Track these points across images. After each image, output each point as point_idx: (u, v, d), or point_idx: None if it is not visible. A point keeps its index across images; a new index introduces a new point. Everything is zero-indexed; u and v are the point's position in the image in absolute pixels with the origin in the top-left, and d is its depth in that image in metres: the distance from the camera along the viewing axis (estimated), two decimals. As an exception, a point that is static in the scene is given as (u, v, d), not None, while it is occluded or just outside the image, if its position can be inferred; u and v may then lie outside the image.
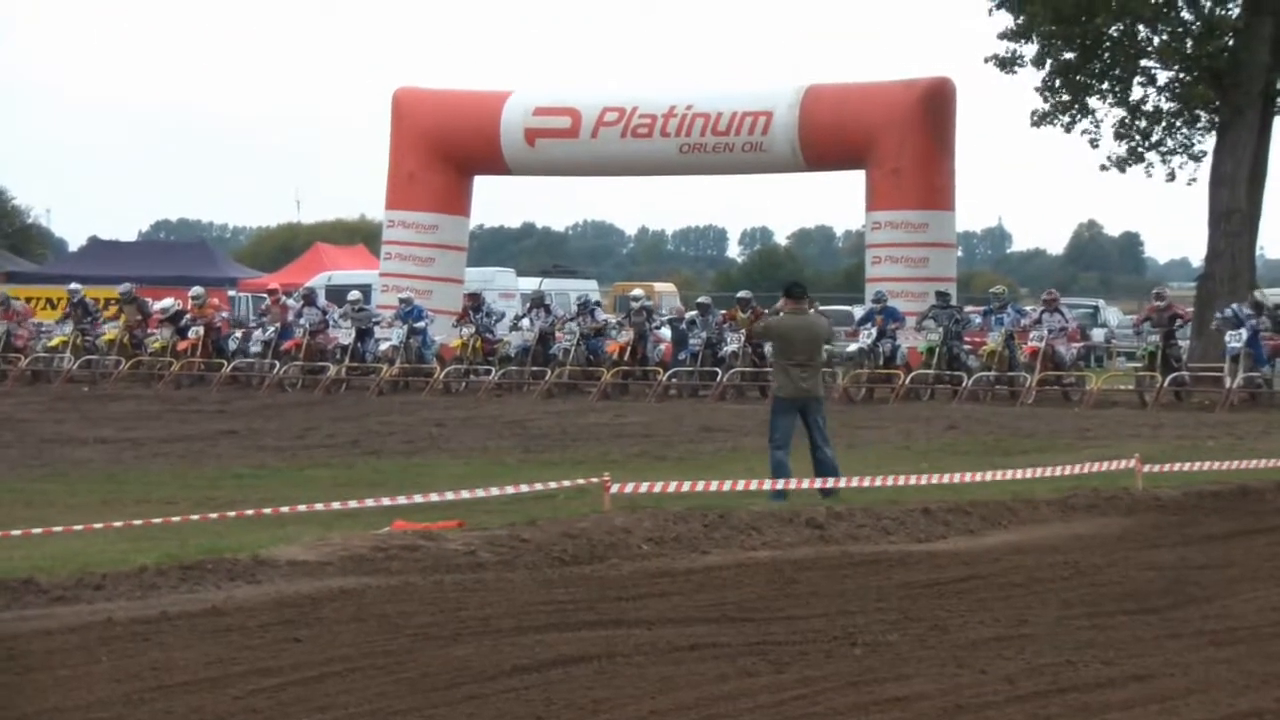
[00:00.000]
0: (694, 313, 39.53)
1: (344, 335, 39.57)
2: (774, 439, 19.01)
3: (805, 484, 18.58)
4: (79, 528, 14.80)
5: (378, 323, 40.39)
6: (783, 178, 42.48)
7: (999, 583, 13.49)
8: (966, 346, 37.96)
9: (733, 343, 37.82)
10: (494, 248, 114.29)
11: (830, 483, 18.62)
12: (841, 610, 12.11)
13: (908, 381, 36.58)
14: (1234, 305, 35.92)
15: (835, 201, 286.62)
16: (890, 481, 18.98)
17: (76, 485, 20.63)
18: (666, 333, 40.40)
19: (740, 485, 18.18)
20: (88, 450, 25.11)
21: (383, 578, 13.44)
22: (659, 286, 71.84)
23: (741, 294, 40.06)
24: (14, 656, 10.45)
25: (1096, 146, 42.06)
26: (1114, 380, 38.88)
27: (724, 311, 39.50)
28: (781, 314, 19.67)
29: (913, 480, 19.18)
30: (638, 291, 41.42)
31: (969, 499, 18.16)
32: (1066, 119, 41.63)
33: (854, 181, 42.32)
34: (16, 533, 14.43)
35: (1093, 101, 41.64)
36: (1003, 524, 17.09)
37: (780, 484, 18.38)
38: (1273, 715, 9.13)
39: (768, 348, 32.64)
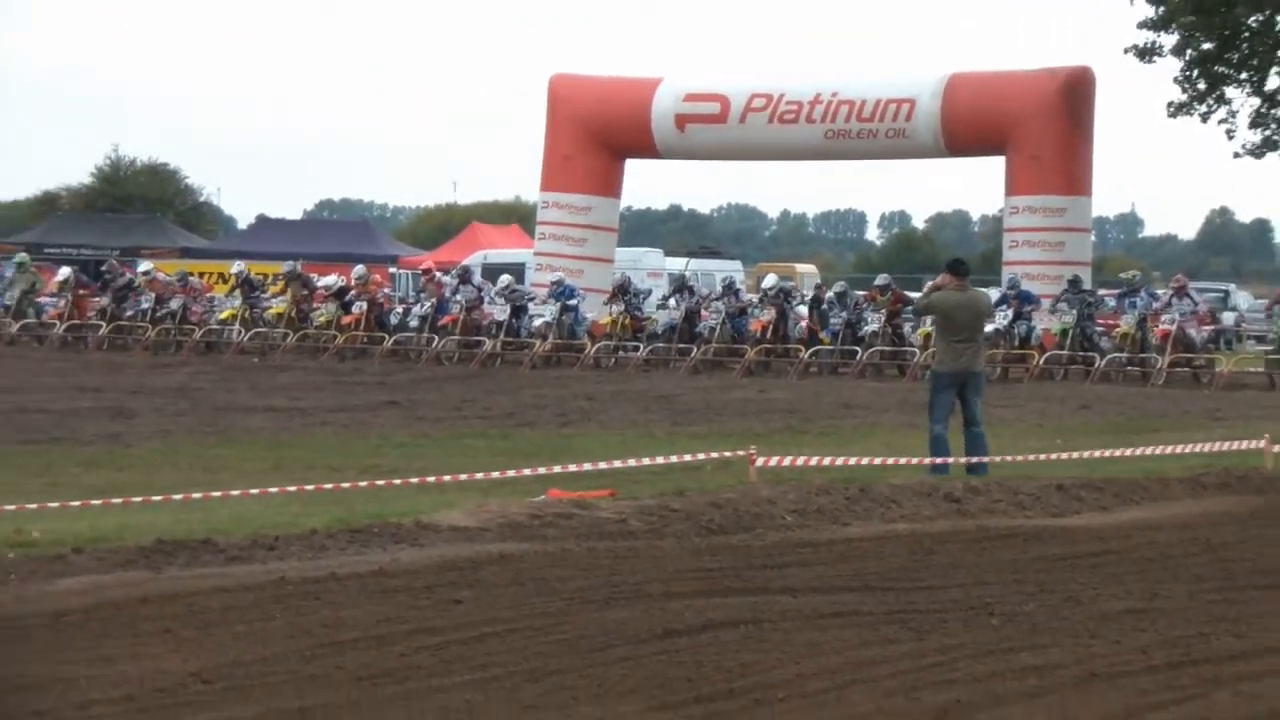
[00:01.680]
0: (834, 292, 39.65)
1: (499, 311, 39.73)
2: (934, 414, 18.96)
3: (957, 462, 18.53)
4: (254, 492, 14.96)
5: (531, 300, 40.57)
6: (920, 162, 42.30)
7: (1131, 557, 13.40)
8: (1099, 328, 37.76)
9: (873, 322, 37.86)
10: (642, 228, 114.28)
11: (981, 462, 18.56)
12: (978, 581, 12.07)
13: (1042, 362, 36.46)
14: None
15: (972, 187, 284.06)
16: (1026, 458, 18.90)
17: (248, 451, 20.86)
18: (806, 311, 40.32)
19: (881, 460, 18.17)
20: (258, 418, 25.37)
21: (539, 543, 13.50)
22: (800, 268, 71.67)
23: (880, 279, 40.03)
24: (194, 612, 10.58)
25: (1232, 137, 41.63)
26: (1244, 363, 38.49)
27: (863, 293, 39.53)
28: (945, 289, 19.61)
29: (1047, 457, 19.09)
30: (770, 278, 41.32)
31: (1102, 476, 18.03)
32: (1203, 109, 41.27)
33: (992, 167, 42.13)
34: (197, 495, 14.63)
35: (1229, 91, 41.22)
36: (1135, 500, 16.96)
37: (940, 461, 18.35)
38: (1401, 690, 9.04)
39: (925, 323, 32.58)
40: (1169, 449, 20.18)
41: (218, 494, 14.88)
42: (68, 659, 9.35)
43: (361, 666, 9.18)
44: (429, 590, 11.31)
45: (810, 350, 38.18)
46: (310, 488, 15.35)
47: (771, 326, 38.52)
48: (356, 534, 13.34)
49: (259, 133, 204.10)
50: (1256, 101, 41.28)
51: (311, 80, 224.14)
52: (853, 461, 17.89)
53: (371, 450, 21.12)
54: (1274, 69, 41.11)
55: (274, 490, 15.10)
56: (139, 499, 14.38)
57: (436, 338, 39.59)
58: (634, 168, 45.86)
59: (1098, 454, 19.55)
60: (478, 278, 42.97)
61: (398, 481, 15.99)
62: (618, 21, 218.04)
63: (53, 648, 9.66)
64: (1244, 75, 41.12)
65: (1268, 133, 41.38)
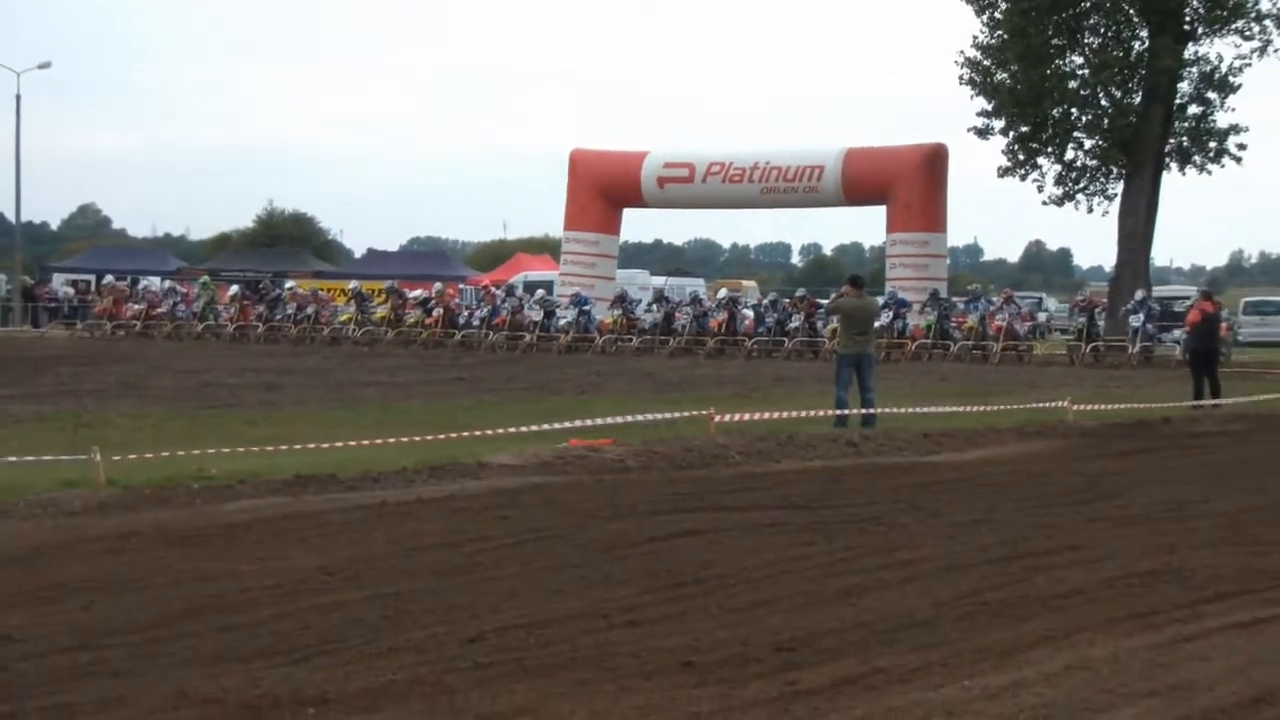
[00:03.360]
0: (768, 300, 39.71)
1: (535, 314, 39.81)
2: (839, 383, 18.92)
3: (855, 412, 18.45)
4: (364, 443, 14.93)
5: (558, 306, 40.64)
6: (830, 210, 42.11)
7: (976, 484, 13.37)
8: (953, 324, 37.77)
9: (795, 321, 37.87)
10: (635, 256, 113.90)
11: (871, 413, 18.51)
12: (870, 501, 12.04)
13: (913, 348, 36.42)
14: (1134, 298, 35.70)
15: (864, 225, 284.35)
16: (903, 411, 18.85)
17: (361, 414, 20.77)
18: (750, 313, 40.37)
19: (805, 413, 18.09)
20: (368, 390, 25.31)
21: (562, 476, 13.48)
22: (745, 283, 71.48)
23: (799, 292, 40.17)
24: (322, 525, 10.55)
25: (1041, 190, 41.74)
26: (1053, 348, 38.50)
27: (788, 300, 39.54)
28: (847, 297, 19.57)
29: (918, 410, 19.04)
30: (723, 291, 41.38)
31: (955, 427, 18.03)
32: (1022, 173, 41.37)
33: (878, 212, 42.10)
34: (325, 446, 14.59)
35: (1040, 160, 41.33)
36: (977, 444, 16.94)
37: (842, 413, 18.31)
38: (1164, 572, 9.01)
39: (833, 321, 32.55)
40: (1001, 407, 20.14)
41: (339, 444, 14.83)
42: (234, 558, 9.32)
43: (438, 563, 9.16)
44: (485, 510, 11.28)
45: (752, 340, 38.16)
46: (405, 439, 15.28)
47: (725, 324, 38.65)
48: (435, 470, 13.32)
49: (369, 187, 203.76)
50: (1059, 167, 41.34)
51: (407, 145, 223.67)
52: (782, 416, 17.85)
53: (447, 412, 21.05)
54: (1070, 145, 41.18)
55: (379, 441, 15.05)
56: (285, 447, 14.33)
57: (491, 333, 39.63)
58: (629, 214, 45.87)
59: (952, 409, 19.51)
60: (520, 291, 43.04)
61: (465, 434, 15.93)
62: (623, 108, 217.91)
63: (223, 551, 9.62)
64: (1050, 149, 41.15)
65: (1066, 188, 41.46)
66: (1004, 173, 41.51)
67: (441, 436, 15.60)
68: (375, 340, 40.60)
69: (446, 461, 13.70)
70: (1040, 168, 41.33)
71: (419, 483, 12.76)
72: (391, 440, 15.10)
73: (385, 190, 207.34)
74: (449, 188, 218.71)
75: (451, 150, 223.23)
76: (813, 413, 18.46)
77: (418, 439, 15.31)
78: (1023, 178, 41.40)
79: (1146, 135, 39.67)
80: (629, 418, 17.09)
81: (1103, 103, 40.59)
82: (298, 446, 14.31)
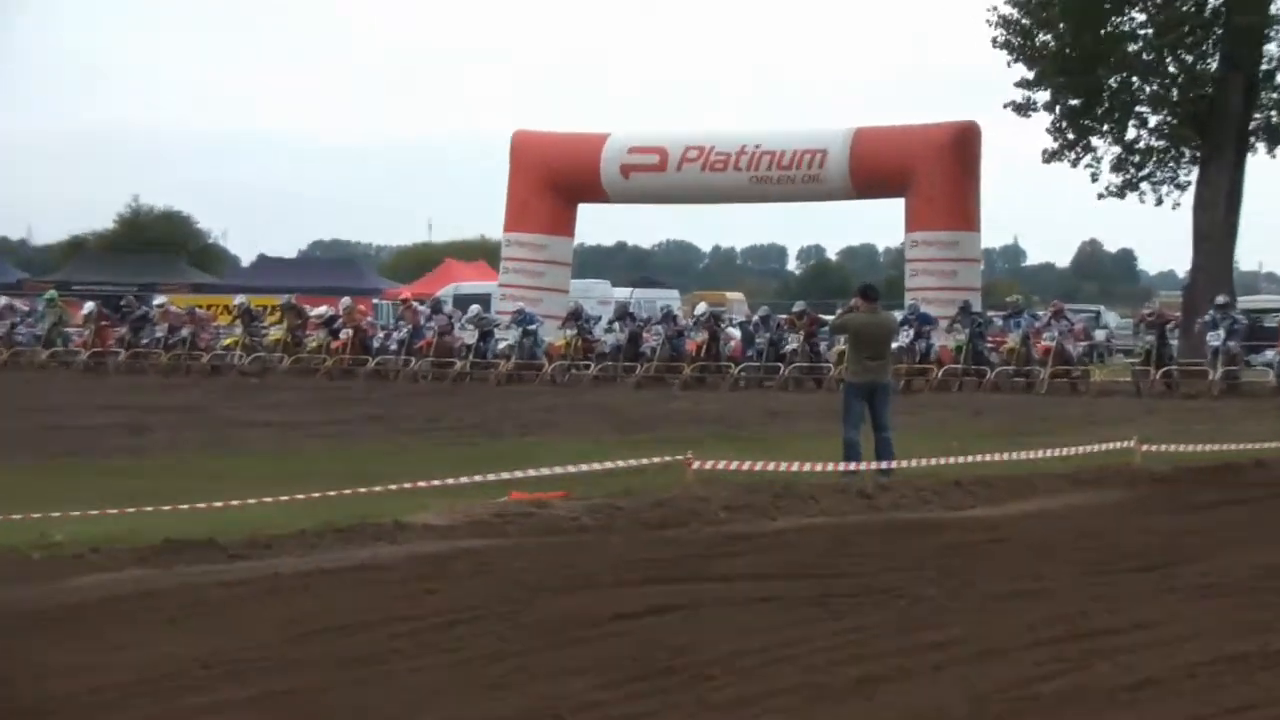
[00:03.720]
0: (758, 317, 39.72)
1: (468, 336, 39.77)
2: (846, 421, 18.83)
3: (868, 466, 18.39)
4: (252, 501, 14.82)
5: (496, 325, 40.60)
6: (835, 205, 42.29)
7: (1019, 544, 13.32)
8: (989, 345, 37.87)
9: (792, 342, 37.93)
10: (592, 262, 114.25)
11: (888, 465, 18.44)
12: (888, 568, 11.97)
13: (940, 375, 36.51)
14: (1213, 310, 35.74)
15: (878, 223, 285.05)
16: (927, 462, 18.83)
17: (248, 462, 20.69)
18: (736, 333, 40.42)
19: (803, 466, 18.04)
20: (257, 432, 25.20)
21: (502, 539, 13.40)
22: (730, 295, 71.69)
23: (797, 306, 40.19)
24: (197, 604, 10.46)
25: (1096, 180, 41.92)
26: (1114, 373, 38.67)
27: (784, 317, 39.60)
28: (857, 311, 19.49)
29: (946, 461, 19.02)
30: (702, 305, 41.42)
31: (993, 474, 18.02)
32: (1072, 156, 41.55)
33: (894, 207, 42.21)
34: (201, 506, 14.47)
35: (1094, 140, 41.52)
36: (1021, 495, 16.91)
37: (853, 466, 18.22)
38: (1258, 658, 8.95)
39: (839, 342, 32.55)
40: (1050, 450, 20.14)
41: (220, 502, 14.71)
42: (83, 648, 9.21)
43: (345, 652, 9.07)
44: (404, 582, 11.18)
45: (739, 366, 38.20)
46: (302, 496, 15.17)
47: (704, 346, 38.66)
48: (342, 533, 13.24)
49: (259, 180, 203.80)
50: (1118, 149, 41.54)
51: (306, 132, 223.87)
52: (776, 465, 17.79)
53: (356, 459, 20.95)
54: (1131, 122, 41.38)
55: (270, 498, 14.94)
56: (150, 507, 14.22)
57: (413, 359, 39.58)
58: (585, 210, 45.86)
59: (989, 457, 19.50)
60: (449, 307, 43.02)
61: (379, 487, 15.82)
62: (572, 83, 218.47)
63: (69, 638, 9.51)
64: (1106, 127, 41.37)
65: (1127, 176, 41.64)
66: (1050, 157, 41.77)
67: (350, 491, 15.49)
68: (267, 369, 40.50)
69: (356, 522, 13.60)
70: (1095, 150, 41.64)
71: (321, 549, 12.65)
72: (286, 496, 14.98)
73: (280, 184, 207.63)
74: (359, 180, 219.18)
75: (362, 136, 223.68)
76: (813, 464, 18.41)
77: (319, 494, 15.19)
78: (1074, 163, 41.67)
79: (1225, 109, 39.92)
80: (585, 466, 17.00)
81: (1171, 69, 40.84)
82: (166, 507, 14.19)
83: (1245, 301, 44.83)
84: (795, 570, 11.82)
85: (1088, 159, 41.69)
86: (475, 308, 41.66)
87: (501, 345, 39.74)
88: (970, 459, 19.19)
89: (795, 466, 17.85)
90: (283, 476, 17.75)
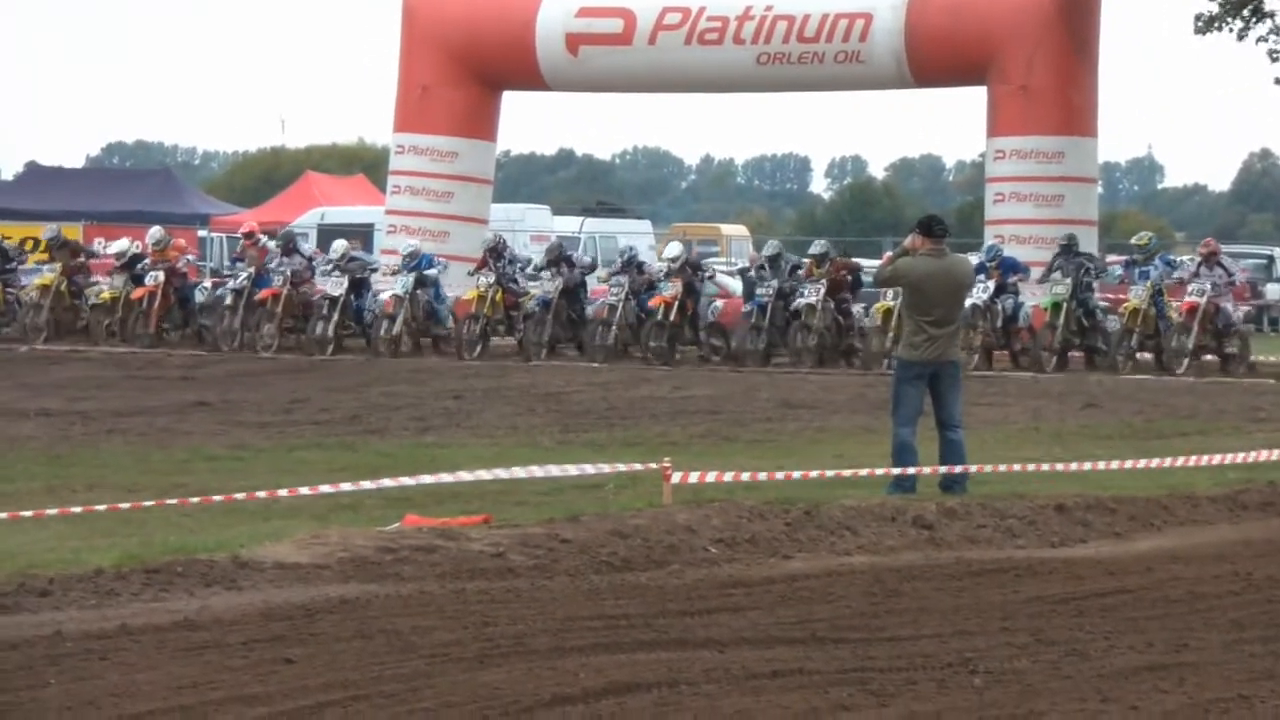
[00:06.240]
0: (765, 256, 38.93)
1: (335, 286, 39.01)
2: (898, 414, 18.87)
3: (931, 471, 18.52)
4: (26, 514, 14.83)
5: (374, 270, 39.95)
6: (881, 96, 41.98)
7: (1152, 598, 13.44)
8: (1104, 304, 37.66)
9: (812, 296, 37.00)
10: (526, 179, 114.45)
11: (959, 477, 18.52)
12: (957, 631, 12.08)
13: (1034, 347, 36.24)
14: None
15: (945, 126, 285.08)
16: (1016, 470, 18.92)
17: (13, 467, 20.65)
18: (730, 284, 40.04)
19: (830, 473, 18.14)
20: (28, 425, 25.15)
21: (392, 585, 13.47)
22: (727, 229, 71.82)
23: (816, 247, 39.12)
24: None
25: (1276, 59, 41.86)
26: (1291, 348, 38.71)
27: (803, 261, 38.55)
28: (915, 255, 19.43)
29: (1044, 469, 19.12)
30: (674, 245, 40.87)
31: (1113, 493, 18.11)
32: (1238, 23, 41.43)
33: (970, 101, 42.25)
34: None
35: (1270, 2, 41.43)
36: (1156, 525, 17.04)
37: (906, 473, 18.30)
38: None
39: (887, 298, 32.48)
40: (1198, 459, 20.23)
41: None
42: None
43: (160, 748, 9.11)
44: (249, 647, 11.22)
45: (737, 333, 37.91)
46: (97, 510, 15.21)
47: (678, 302, 37.91)
48: (155, 574, 13.24)
49: (29, 53, 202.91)
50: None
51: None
52: (795, 476, 17.86)
53: (175, 466, 20.98)
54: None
55: (50, 514, 14.95)
56: None
57: (257, 320, 39.13)
58: (513, 102, 45.85)
59: (1107, 465, 19.60)
60: (310, 244, 42.65)
61: (210, 500, 15.86)
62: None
63: None
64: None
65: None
66: (1206, 25, 41.78)
67: (166, 509, 15.54)
68: (35, 334, 40.25)
69: (175, 557, 13.63)
70: (1273, 15, 41.61)
71: (124, 597, 12.69)
72: (74, 513, 15.02)
73: (63, 65, 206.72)
74: (178, 56, 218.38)
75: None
76: (849, 471, 18.48)
77: (122, 511, 15.24)
78: (1240, 34, 41.67)
79: None
80: (512, 471, 17.08)
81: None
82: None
83: None
84: (820, 632, 11.92)
85: (1260, 28, 41.73)
86: (341, 244, 41.02)
87: (385, 297, 39.38)
88: (1078, 468, 19.30)
89: (821, 475, 17.94)
90: (65, 489, 17.80)
